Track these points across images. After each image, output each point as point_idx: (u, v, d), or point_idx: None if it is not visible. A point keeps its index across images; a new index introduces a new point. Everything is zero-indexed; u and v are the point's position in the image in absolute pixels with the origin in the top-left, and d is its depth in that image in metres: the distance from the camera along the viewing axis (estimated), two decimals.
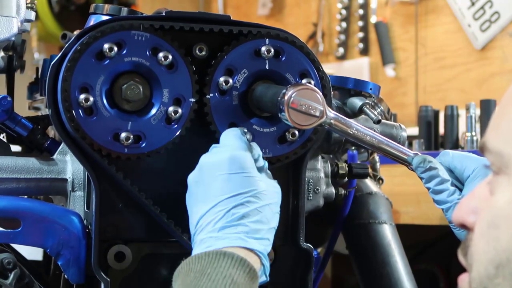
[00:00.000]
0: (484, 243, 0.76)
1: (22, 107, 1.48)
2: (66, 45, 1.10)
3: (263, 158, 1.11)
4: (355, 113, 1.35)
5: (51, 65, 1.10)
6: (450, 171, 1.12)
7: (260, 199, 1.02)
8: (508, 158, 0.74)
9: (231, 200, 1.00)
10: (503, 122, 0.76)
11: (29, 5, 1.26)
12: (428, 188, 1.10)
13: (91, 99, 1.08)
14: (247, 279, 0.95)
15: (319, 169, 1.32)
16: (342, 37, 3.84)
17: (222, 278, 0.93)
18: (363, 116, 1.35)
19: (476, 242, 0.78)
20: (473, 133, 1.99)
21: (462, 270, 0.82)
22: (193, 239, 1.02)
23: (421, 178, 1.11)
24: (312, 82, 1.16)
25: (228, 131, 1.09)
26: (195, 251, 0.99)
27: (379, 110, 1.36)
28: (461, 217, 0.82)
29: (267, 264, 1.02)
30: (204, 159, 1.06)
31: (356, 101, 1.35)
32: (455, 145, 2.09)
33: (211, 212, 1.00)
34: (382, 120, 1.36)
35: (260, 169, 1.06)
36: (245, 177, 1.02)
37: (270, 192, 1.04)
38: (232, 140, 1.07)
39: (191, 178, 1.06)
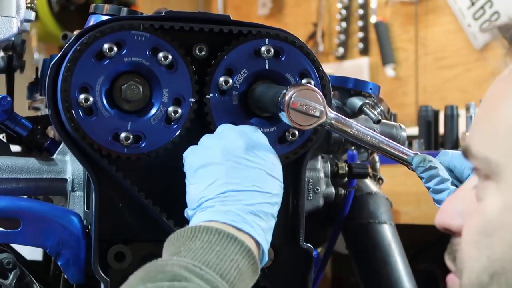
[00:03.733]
0: (475, 251, 0.74)
1: (22, 107, 1.48)
2: (66, 45, 1.10)
3: None
4: (355, 113, 1.35)
5: (50, 65, 1.10)
6: (450, 170, 1.12)
7: (277, 208, 1.04)
8: (496, 165, 0.72)
9: (265, 195, 1.01)
10: (487, 127, 0.75)
11: (29, 5, 1.26)
12: (428, 188, 1.10)
13: (91, 99, 1.08)
14: (250, 270, 0.96)
15: (319, 169, 1.32)
16: (342, 37, 3.84)
17: (229, 260, 0.93)
18: (363, 116, 1.35)
19: (465, 249, 0.76)
20: None
21: None
22: (205, 202, 1.00)
23: (421, 178, 1.11)
24: (312, 82, 1.16)
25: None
26: (211, 215, 0.98)
27: (379, 110, 1.36)
28: (444, 221, 0.80)
29: (263, 264, 1.03)
30: (246, 141, 1.05)
31: (356, 101, 1.35)
32: (455, 145, 2.10)
33: (248, 193, 1.00)
34: (382, 120, 1.36)
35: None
36: (278, 185, 1.05)
37: (280, 203, 1.06)
38: (268, 143, 1.09)
39: (229, 149, 1.04)
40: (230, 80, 1.14)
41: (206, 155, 1.05)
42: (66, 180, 1.21)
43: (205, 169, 1.03)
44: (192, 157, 1.06)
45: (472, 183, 0.78)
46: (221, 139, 1.06)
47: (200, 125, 1.14)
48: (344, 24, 3.83)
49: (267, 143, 1.08)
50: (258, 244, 0.99)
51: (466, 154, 0.77)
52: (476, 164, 0.75)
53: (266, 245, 1.00)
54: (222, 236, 0.95)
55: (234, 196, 1.00)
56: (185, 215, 1.04)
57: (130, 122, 1.10)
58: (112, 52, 1.08)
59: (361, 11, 3.74)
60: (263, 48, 1.14)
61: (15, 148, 1.31)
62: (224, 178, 1.01)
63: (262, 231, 1.00)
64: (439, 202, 1.10)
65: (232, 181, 1.01)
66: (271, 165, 1.05)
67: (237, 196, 1.00)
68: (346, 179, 1.42)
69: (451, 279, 0.79)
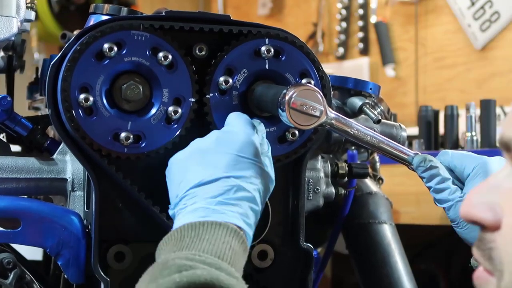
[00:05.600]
0: None
1: (22, 107, 1.48)
2: (66, 45, 1.10)
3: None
4: (355, 113, 1.35)
5: (51, 65, 1.10)
6: (450, 170, 1.12)
7: (260, 188, 1.04)
8: None
9: (236, 180, 1.02)
10: None
11: (29, 5, 1.26)
12: (429, 187, 1.10)
13: (91, 99, 1.08)
14: (241, 249, 0.98)
15: (319, 169, 1.32)
16: (342, 37, 3.84)
17: (221, 243, 0.95)
18: (363, 116, 1.35)
19: (508, 250, 0.70)
20: (473, 133, 1.99)
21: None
22: (178, 203, 1.02)
23: (422, 178, 1.11)
24: (312, 82, 1.16)
25: (237, 114, 1.10)
26: (184, 218, 1.00)
27: (379, 110, 1.36)
28: (474, 213, 0.74)
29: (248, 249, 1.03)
30: (217, 133, 1.07)
31: (356, 101, 1.35)
32: (455, 145, 2.09)
33: (214, 184, 1.01)
34: (382, 120, 1.36)
35: (263, 154, 1.07)
36: (253, 164, 1.04)
37: (267, 183, 1.06)
38: (243, 125, 1.08)
39: (198, 145, 1.06)
40: (230, 80, 1.14)
41: (181, 154, 1.07)
42: (66, 180, 1.21)
43: (178, 165, 1.06)
44: (173, 157, 1.08)
45: (507, 178, 0.73)
46: (197, 139, 1.08)
47: (200, 125, 1.14)
48: (344, 24, 3.83)
49: (243, 125, 1.08)
50: (238, 227, 0.99)
51: (509, 147, 0.72)
52: None
53: (247, 228, 1.00)
54: (206, 226, 0.97)
55: (202, 189, 1.01)
56: (169, 211, 1.06)
57: (130, 122, 1.10)
58: (112, 52, 1.08)
59: (361, 11, 3.74)
60: (263, 48, 1.14)
61: (15, 148, 1.31)
62: (192, 171, 1.03)
63: (236, 213, 1.00)
64: (440, 201, 1.10)
65: (199, 173, 1.02)
66: (242, 146, 1.04)
67: (205, 189, 1.01)
68: (346, 179, 1.42)
69: (482, 276, 0.74)
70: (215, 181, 1.01)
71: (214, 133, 1.07)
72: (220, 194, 1.00)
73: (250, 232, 1.01)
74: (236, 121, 1.09)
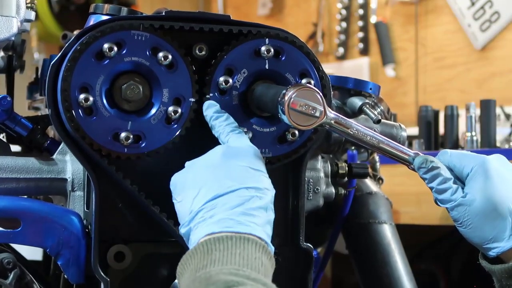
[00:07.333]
0: None
1: (22, 107, 1.48)
2: (66, 45, 1.10)
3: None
4: (355, 113, 1.35)
5: (51, 65, 1.10)
6: (450, 169, 1.12)
7: (272, 200, 1.04)
8: None
9: (253, 191, 1.01)
10: None
11: (29, 5, 1.26)
12: (431, 188, 1.10)
13: (91, 99, 1.08)
14: (270, 265, 0.97)
15: (319, 169, 1.32)
16: (342, 37, 3.85)
17: (254, 258, 0.94)
18: (363, 116, 1.35)
19: None
20: (473, 133, 1.99)
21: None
22: (194, 217, 1.00)
23: (424, 179, 1.11)
24: (312, 82, 1.16)
25: (235, 134, 1.10)
26: (206, 229, 0.98)
27: (379, 110, 1.36)
28: None
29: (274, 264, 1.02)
30: (223, 149, 1.06)
31: (356, 101, 1.35)
32: (455, 145, 2.10)
33: (232, 195, 1.00)
34: (382, 120, 1.36)
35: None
36: (264, 176, 1.04)
37: (273, 195, 1.05)
38: (246, 139, 1.09)
39: (204, 162, 1.05)
40: (230, 80, 1.14)
41: (186, 172, 1.06)
42: (66, 180, 1.21)
43: (187, 183, 1.04)
44: (175, 177, 1.07)
45: None
46: (202, 157, 1.07)
47: (200, 125, 1.14)
48: (344, 24, 3.84)
49: (246, 141, 1.08)
50: (261, 239, 0.98)
51: None
52: None
53: (267, 238, 1.00)
54: (235, 240, 0.95)
55: (220, 201, 1.00)
56: (180, 233, 1.03)
57: (130, 122, 1.10)
58: (112, 52, 1.08)
59: (361, 11, 3.75)
60: (263, 48, 1.14)
61: (15, 148, 1.31)
62: (206, 185, 1.02)
63: (258, 226, 0.99)
64: (442, 201, 1.10)
65: (214, 186, 1.01)
66: (252, 159, 1.04)
67: (223, 201, 1.00)
68: (346, 179, 1.42)
69: None
70: (233, 192, 1.00)
71: (218, 149, 1.06)
72: (240, 205, 0.99)
73: (271, 244, 1.00)
74: (238, 138, 1.09)
